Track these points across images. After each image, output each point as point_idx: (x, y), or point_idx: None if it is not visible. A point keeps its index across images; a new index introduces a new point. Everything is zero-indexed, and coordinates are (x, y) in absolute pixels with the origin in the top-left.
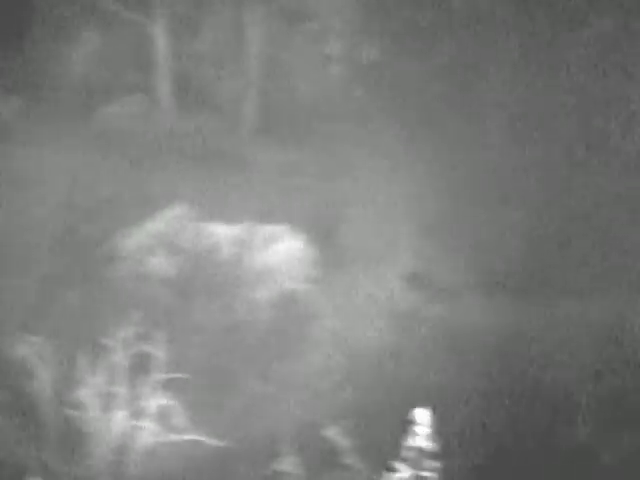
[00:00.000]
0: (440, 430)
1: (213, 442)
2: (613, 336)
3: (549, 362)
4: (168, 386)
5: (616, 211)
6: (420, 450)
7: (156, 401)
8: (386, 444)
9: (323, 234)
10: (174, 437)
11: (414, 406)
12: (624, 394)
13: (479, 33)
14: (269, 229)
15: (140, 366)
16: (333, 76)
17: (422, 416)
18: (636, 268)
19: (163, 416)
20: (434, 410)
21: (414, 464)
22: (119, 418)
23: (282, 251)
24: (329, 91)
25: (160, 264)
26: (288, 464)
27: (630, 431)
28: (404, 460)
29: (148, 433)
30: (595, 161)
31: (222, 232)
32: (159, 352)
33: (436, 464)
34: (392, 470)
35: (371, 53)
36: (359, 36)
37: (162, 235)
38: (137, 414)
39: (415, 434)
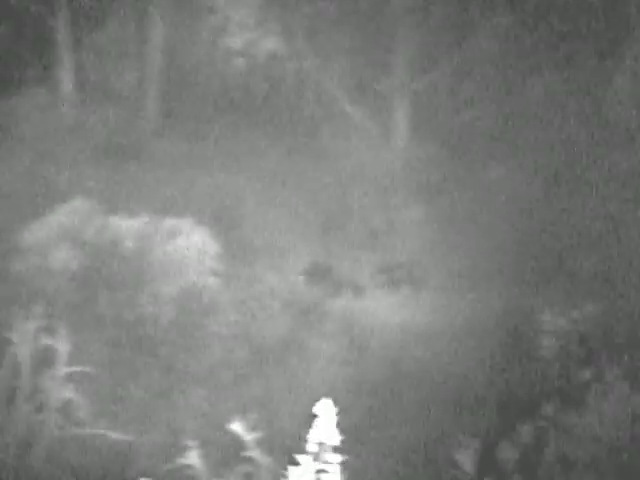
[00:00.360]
0: (343, 424)
1: (117, 436)
2: (513, 329)
3: (452, 354)
4: (72, 379)
5: (520, 202)
6: (323, 444)
7: (59, 394)
8: (291, 438)
9: (226, 227)
10: (78, 431)
11: (317, 399)
12: (522, 386)
13: (382, 26)
14: (172, 222)
15: (43, 359)
16: (235, 69)
17: (325, 409)
18: (537, 261)
19: (67, 409)
20: (337, 403)
21: (318, 458)
22: (22, 412)
23: (185, 244)
24: (231, 84)
25: (63, 257)
26: (192, 458)
27: (527, 424)
28: (308, 454)
29: (52, 426)
30: (485, 153)
31: (125, 225)
32: (62, 345)
33: (339, 458)
34: (296, 464)
35: (273, 46)
36: (261, 29)
37: (65, 228)
38: (40, 408)
39: (318, 427)
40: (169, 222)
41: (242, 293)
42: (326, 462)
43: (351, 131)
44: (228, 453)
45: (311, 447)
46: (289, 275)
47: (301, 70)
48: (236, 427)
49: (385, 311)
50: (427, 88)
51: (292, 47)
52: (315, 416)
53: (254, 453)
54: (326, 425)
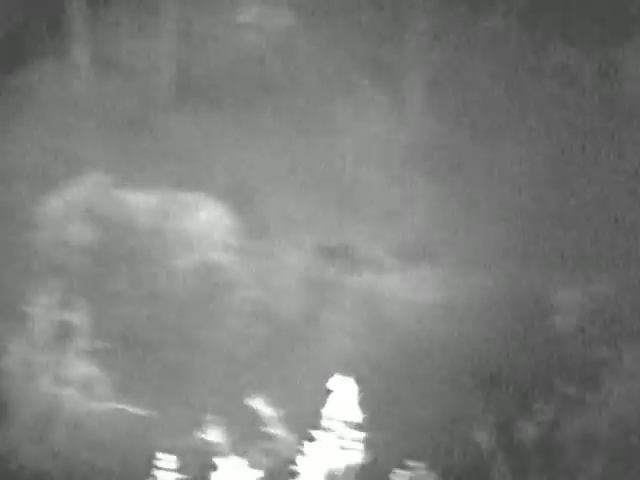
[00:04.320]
0: (361, 400)
1: (135, 410)
2: (529, 306)
3: (468, 332)
4: (91, 354)
5: (535, 181)
6: (341, 420)
7: (79, 369)
8: (309, 413)
9: (241, 202)
10: (97, 406)
11: (335, 375)
12: (538, 364)
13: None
14: (187, 197)
15: (62, 334)
16: (247, 44)
17: (343, 385)
18: (552, 238)
19: (86, 385)
20: (355, 380)
21: (335, 434)
22: (42, 387)
23: (201, 219)
24: (243, 59)
25: (79, 232)
26: (211, 433)
27: (543, 402)
28: (325, 430)
29: (71, 402)
30: (500, 131)
31: (141, 199)
32: (80, 320)
33: (358, 434)
34: (314, 440)
35: (285, 20)
36: (273, 3)
37: (80, 202)
38: (60, 382)
39: (336, 404)
40: (184, 197)
41: (258, 268)
42: (345, 438)
43: (364, 106)
44: (247, 429)
45: (328, 423)
46: (304, 251)
47: (314, 44)
48: (255, 403)
49: (401, 288)
50: (440, 64)
51: (304, 21)
52: (332, 392)
53: (273, 429)
54: (344, 401)
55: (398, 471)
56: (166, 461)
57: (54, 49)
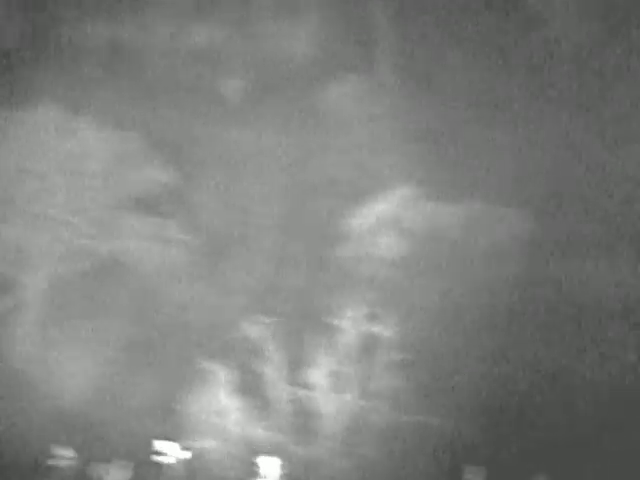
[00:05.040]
0: None
1: (440, 423)
2: None
3: None
4: (397, 366)
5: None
6: None
7: (385, 381)
8: None
9: (553, 215)
10: (404, 418)
11: None
12: None
13: None
14: (495, 210)
15: (369, 346)
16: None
17: None
18: None
19: (392, 396)
20: None
21: None
22: (349, 398)
23: (507, 233)
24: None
25: (387, 244)
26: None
27: None
28: None
29: (378, 414)
30: None
31: (449, 213)
32: (388, 332)
33: None
34: None
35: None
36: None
37: (389, 215)
38: (367, 394)
39: None
40: (494, 210)
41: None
42: None
43: None
44: None
45: None
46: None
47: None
48: None
49: None
50: None
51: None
52: None
53: None
54: None
55: None
56: (473, 474)
57: (360, 63)
